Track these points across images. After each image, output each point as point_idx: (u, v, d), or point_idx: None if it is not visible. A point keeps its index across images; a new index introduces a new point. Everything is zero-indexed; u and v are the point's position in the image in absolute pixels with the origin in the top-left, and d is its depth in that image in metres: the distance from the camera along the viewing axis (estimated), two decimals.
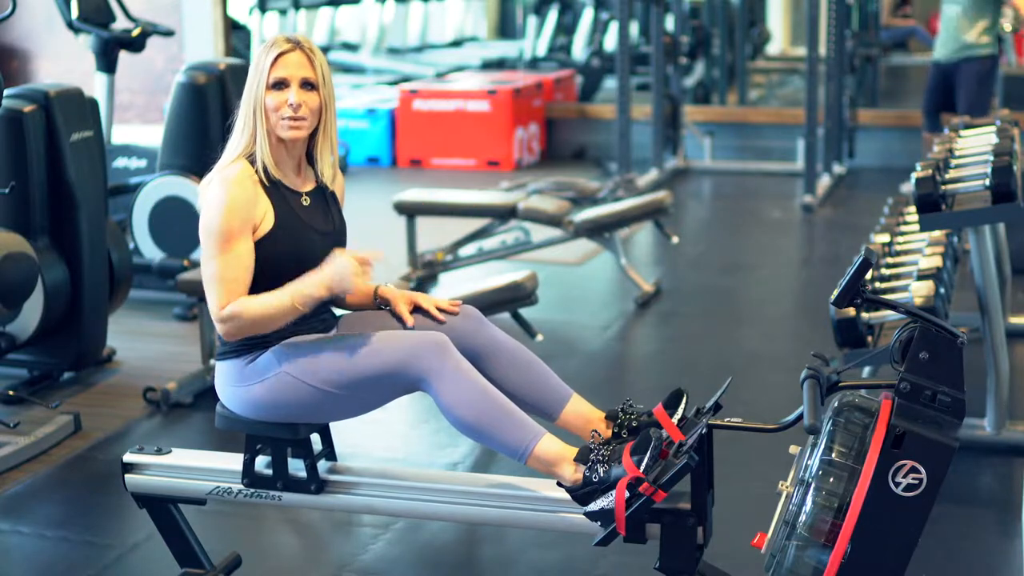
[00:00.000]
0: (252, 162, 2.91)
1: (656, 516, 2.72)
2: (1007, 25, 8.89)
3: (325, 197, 3.00)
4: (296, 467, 2.99)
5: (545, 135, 10.51)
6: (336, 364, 2.84)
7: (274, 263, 2.88)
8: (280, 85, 2.88)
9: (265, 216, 2.88)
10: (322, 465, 3.02)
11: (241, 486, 3.01)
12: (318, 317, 2.98)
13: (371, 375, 2.83)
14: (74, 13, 6.20)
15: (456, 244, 6.35)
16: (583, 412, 2.96)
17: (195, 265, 5.37)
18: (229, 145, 2.94)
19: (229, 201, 2.83)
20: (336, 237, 3.00)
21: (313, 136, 2.96)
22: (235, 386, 2.93)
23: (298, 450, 2.98)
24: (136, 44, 6.37)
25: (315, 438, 3.04)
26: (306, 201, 2.96)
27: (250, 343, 2.90)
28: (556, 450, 2.80)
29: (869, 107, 10.87)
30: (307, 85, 2.89)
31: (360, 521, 3.71)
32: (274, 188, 2.91)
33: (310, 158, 3.00)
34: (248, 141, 2.91)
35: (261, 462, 3.01)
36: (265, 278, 2.88)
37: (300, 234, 2.91)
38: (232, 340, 2.87)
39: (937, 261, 4.13)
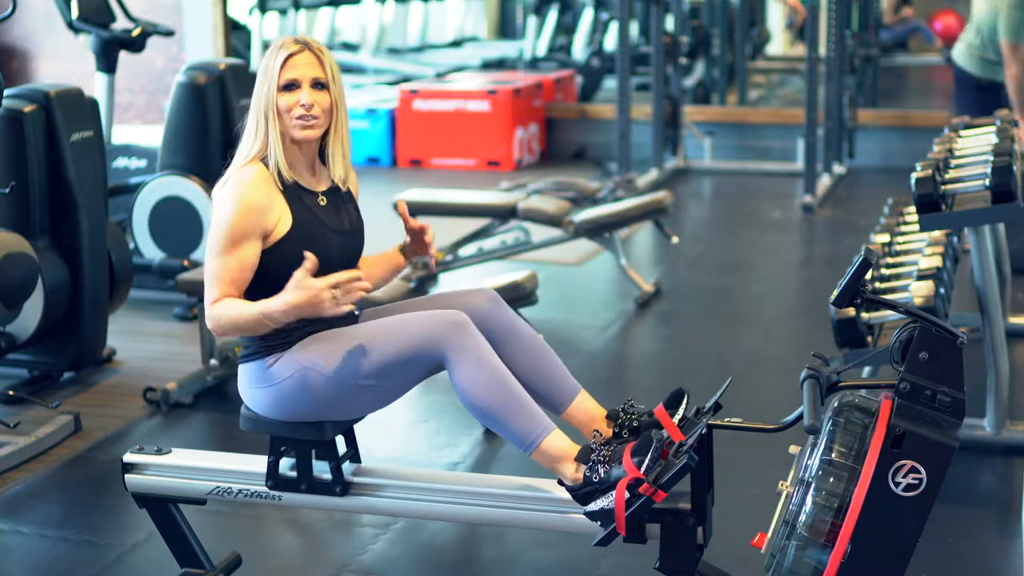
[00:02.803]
0: (267, 164, 2.91)
1: (656, 516, 2.72)
2: None
3: (340, 196, 3.00)
4: (313, 468, 2.98)
5: (545, 135, 10.51)
6: (359, 352, 2.83)
7: (292, 263, 2.86)
8: (291, 86, 2.88)
9: (281, 218, 2.88)
10: (345, 467, 3.01)
11: (241, 486, 3.01)
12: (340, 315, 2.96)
13: (395, 358, 2.82)
14: (74, 13, 6.20)
15: (456, 244, 6.34)
16: (589, 409, 2.96)
17: (195, 265, 5.37)
18: (240, 149, 2.94)
19: (243, 204, 2.84)
20: (353, 236, 3.00)
21: (325, 136, 2.96)
22: (258, 387, 2.92)
23: (322, 452, 2.97)
24: (136, 44, 6.37)
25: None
26: (323, 201, 2.96)
27: (271, 344, 2.90)
28: (563, 447, 2.80)
29: (869, 107, 10.86)
30: (318, 85, 2.90)
31: (360, 521, 3.71)
32: (290, 189, 2.91)
33: (323, 158, 3.00)
34: (261, 145, 2.91)
35: (275, 463, 3.00)
36: (283, 278, 2.87)
37: (317, 234, 2.91)
38: (218, 334, 2.90)
39: (937, 261, 4.13)
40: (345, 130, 2.98)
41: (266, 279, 2.88)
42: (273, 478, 2.99)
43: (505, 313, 2.98)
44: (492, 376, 2.79)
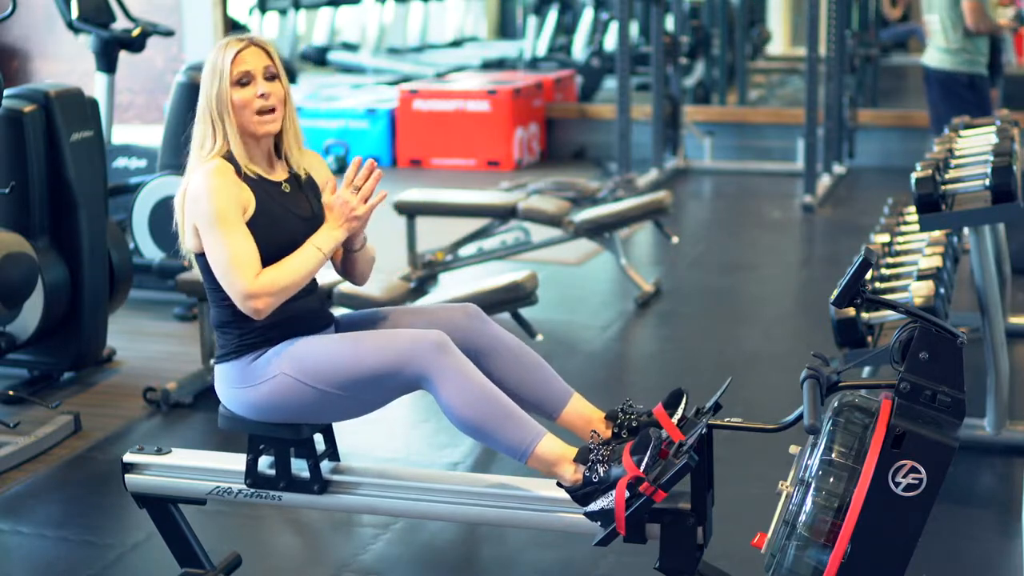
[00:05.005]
0: (227, 159, 2.90)
1: (656, 516, 2.72)
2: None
3: (300, 184, 3.01)
4: (299, 467, 2.99)
5: (545, 135, 10.51)
6: (335, 365, 2.84)
7: (259, 249, 2.87)
8: (244, 81, 2.88)
9: (249, 204, 2.88)
10: (324, 465, 3.02)
11: (241, 486, 3.01)
12: (316, 315, 2.98)
13: (370, 375, 2.83)
14: (74, 13, 6.20)
15: (456, 244, 6.34)
16: (584, 412, 2.96)
17: None
18: (198, 152, 2.92)
19: (217, 187, 2.84)
20: (315, 222, 2.99)
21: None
22: (236, 388, 2.93)
23: (301, 450, 2.98)
24: (136, 44, 6.37)
25: (318, 438, 3.04)
26: (286, 188, 2.97)
27: (249, 343, 2.91)
28: (557, 450, 2.80)
29: (869, 107, 10.86)
30: (270, 76, 2.91)
31: (360, 521, 3.71)
32: (253, 180, 2.91)
33: (277, 150, 3.00)
34: (219, 145, 2.90)
35: (264, 462, 3.01)
36: None
37: (282, 221, 2.92)
38: (263, 316, 2.84)
39: (937, 261, 4.13)
40: (296, 121, 3.00)
41: None
42: (252, 476, 3.00)
43: (487, 327, 2.99)
44: (476, 391, 2.79)
